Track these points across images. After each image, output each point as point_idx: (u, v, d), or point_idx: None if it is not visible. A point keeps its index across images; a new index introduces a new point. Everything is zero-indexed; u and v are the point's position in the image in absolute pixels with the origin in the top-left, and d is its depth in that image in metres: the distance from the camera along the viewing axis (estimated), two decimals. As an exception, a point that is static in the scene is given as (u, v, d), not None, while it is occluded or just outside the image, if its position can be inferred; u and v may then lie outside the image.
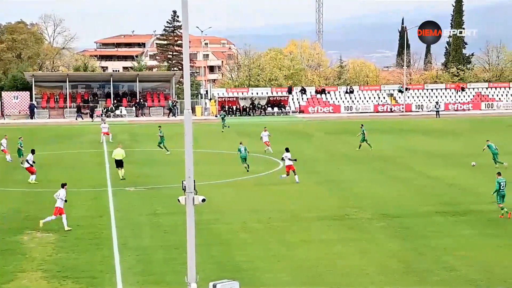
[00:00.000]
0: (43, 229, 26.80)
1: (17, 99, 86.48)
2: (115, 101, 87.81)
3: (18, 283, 20.73)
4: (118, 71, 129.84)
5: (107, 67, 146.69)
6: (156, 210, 30.63)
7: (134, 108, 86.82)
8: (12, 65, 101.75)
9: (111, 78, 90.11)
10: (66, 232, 26.42)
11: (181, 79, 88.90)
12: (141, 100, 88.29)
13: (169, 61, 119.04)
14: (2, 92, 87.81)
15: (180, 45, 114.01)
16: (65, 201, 27.32)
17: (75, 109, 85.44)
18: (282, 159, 38.70)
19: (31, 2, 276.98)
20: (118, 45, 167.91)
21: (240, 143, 42.18)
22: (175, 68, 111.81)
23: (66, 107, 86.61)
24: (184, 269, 18.80)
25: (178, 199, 16.75)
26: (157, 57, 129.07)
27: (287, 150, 37.93)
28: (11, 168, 43.55)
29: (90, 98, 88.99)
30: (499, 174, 29.55)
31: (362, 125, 52.09)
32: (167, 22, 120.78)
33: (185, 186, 16.45)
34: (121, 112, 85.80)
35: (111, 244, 24.80)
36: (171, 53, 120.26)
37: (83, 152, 52.12)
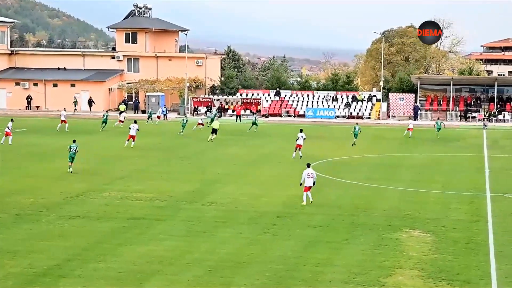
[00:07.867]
0: (420, 229, 27.69)
1: (402, 100, 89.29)
2: (498, 106, 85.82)
3: (395, 278, 21.47)
4: (504, 75, 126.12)
5: (492, 71, 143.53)
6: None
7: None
8: (399, 67, 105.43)
9: (496, 83, 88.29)
10: (443, 234, 26.94)
11: None
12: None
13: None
14: (389, 93, 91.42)
15: None
16: None
17: (458, 113, 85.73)
18: None
19: (420, 7, 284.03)
20: (505, 49, 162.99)
21: None
22: None
23: (449, 110, 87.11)
24: None
25: None
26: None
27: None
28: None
29: (473, 102, 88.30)
30: None
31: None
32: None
33: None
34: (504, 117, 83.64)
35: (487, 250, 24.60)
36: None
37: (461, 155, 52.11)
